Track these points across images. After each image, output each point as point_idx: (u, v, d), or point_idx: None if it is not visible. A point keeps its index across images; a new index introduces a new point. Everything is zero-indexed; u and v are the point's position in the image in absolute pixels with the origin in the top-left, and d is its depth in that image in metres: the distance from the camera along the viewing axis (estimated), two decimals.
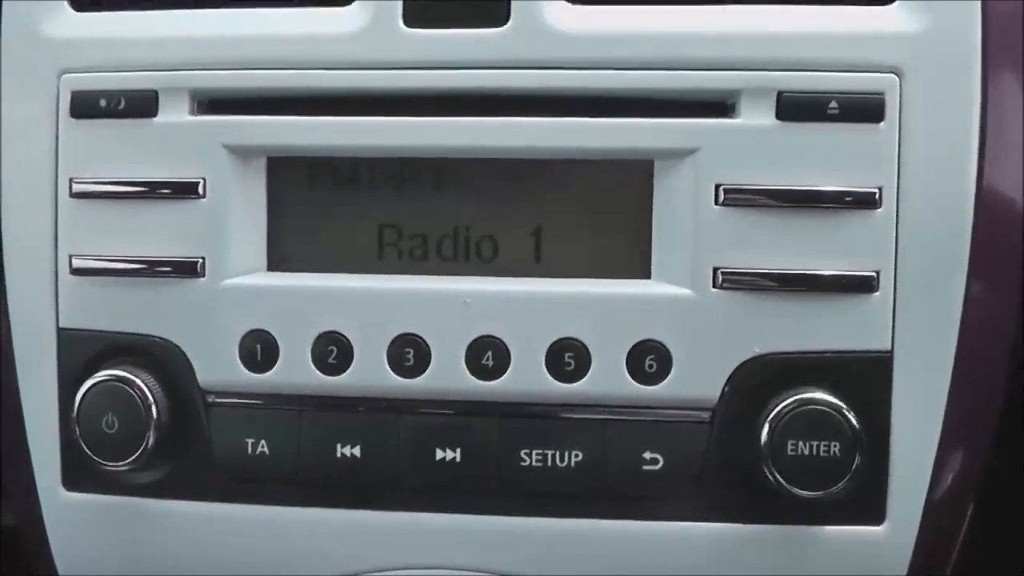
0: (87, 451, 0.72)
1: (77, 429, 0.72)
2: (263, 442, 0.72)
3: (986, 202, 0.69)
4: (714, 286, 0.69)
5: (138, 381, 0.71)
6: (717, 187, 0.69)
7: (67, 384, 0.73)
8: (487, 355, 0.70)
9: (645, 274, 0.70)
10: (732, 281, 0.69)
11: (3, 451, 0.76)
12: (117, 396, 0.71)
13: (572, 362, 0.70)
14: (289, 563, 0.73)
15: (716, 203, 0.69)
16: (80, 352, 0.73)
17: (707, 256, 0.69)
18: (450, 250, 0.72)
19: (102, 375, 0.72)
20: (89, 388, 0.72)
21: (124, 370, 0.72)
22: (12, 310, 0.74)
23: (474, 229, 0.72)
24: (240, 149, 0.71)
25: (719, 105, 0.70)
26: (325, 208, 0.72)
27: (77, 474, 0.75)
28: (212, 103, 0.72)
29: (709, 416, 0.70)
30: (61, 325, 0.74)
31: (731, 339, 0.69)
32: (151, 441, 0.71)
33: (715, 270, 0.69)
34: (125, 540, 0.74)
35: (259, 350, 0.71)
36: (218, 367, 0.72)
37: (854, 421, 0.68)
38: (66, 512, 0.75)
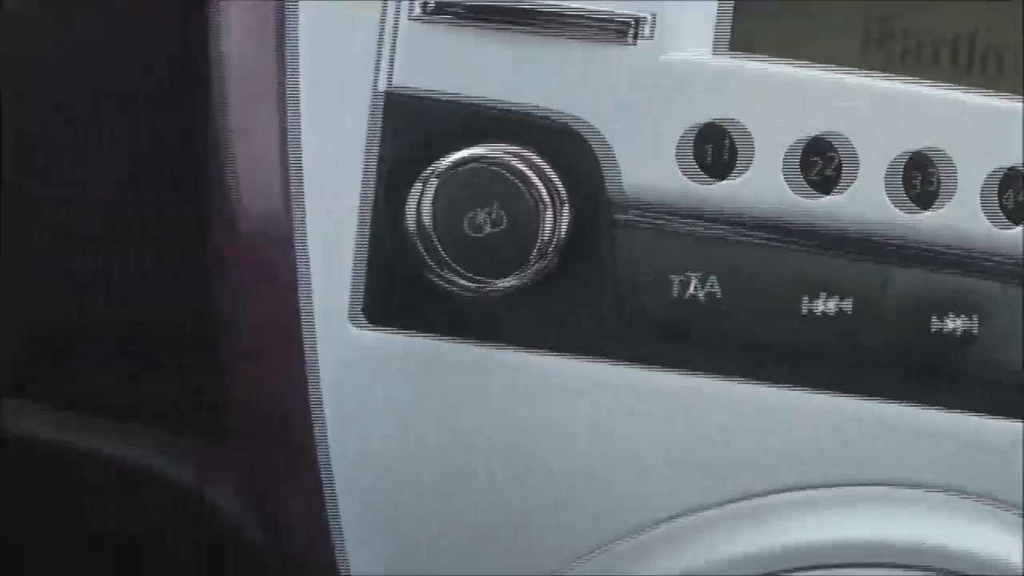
0: (442, 259, 0.49)
1: (418, 227, 0.49)
2: (697, 280, 0.50)
3: None
4: None
5: (529, 172, 0.49)
6: None
7: (395, 171, 0.50)
8: None
9: None
10: None
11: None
12: (496, 185, 0.48)
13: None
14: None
15: None
16: (423, 125, 0.50)
17: None
18: (948, 57, 0.52)
19: (472, 153, 0.49)
20: (449, 170, 0.49)
21: (508, 152, 0.49)
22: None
23: (981, 38, 0.53)
24: None
25: None
26: None
27: (381, 303, 0.51)
28: None
29: None
30: (395, 83, 0.51)
31: None
32: (540, 255, 0.49)
33: None
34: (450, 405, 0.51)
35: (710, 151, 0.50)
36: (646, 167, 0.50)
37: None
38: (352, 355, 0.51)
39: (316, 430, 0.52)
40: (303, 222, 0.51)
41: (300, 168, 0.51)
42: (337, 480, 0.52)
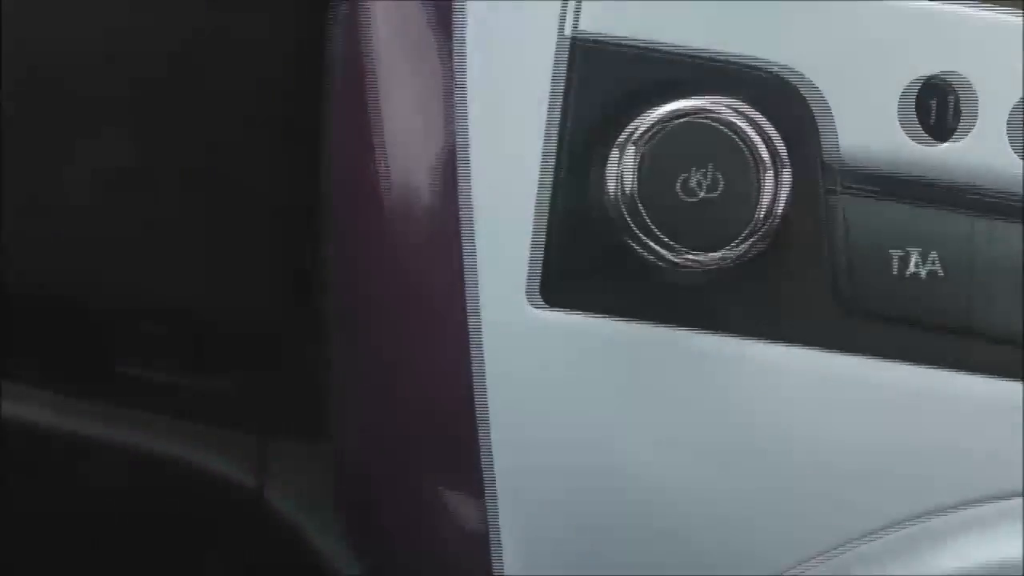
0: (648, 227, 0.42)
1: (620, 190, 0.43)
2: (917, 257, 0.45)
3: None
4: None
5: (748, 129, 0.43)
6: None
7: (583, 128, 0.44)
8: None
9: None
10: None
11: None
12: (713, 142, 0.43)
13: None
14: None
15: None
16: (616, 76, 0.43)
17: None
18: None
19: (685, 106, 0.43)
20: (657, 126, 0.42)
21: (724, 105, 0.43)
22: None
23: None
24: None
25: None
26: None
27: (562, 280, 0.44)
28: None
29: None
30: (580, 28, 0.44)
31: None
32: (760, 223, 0.43)
33: None
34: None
35: (934, 107, 0.45)
36: (865, 125, 0.44)
37: None
38: (526, 340, 0.44)
39: (480, 427, 0.45)
40: (469, 201, 0.44)
41: (466, 143, 0.45)
42: (499, 479, 0.45)
